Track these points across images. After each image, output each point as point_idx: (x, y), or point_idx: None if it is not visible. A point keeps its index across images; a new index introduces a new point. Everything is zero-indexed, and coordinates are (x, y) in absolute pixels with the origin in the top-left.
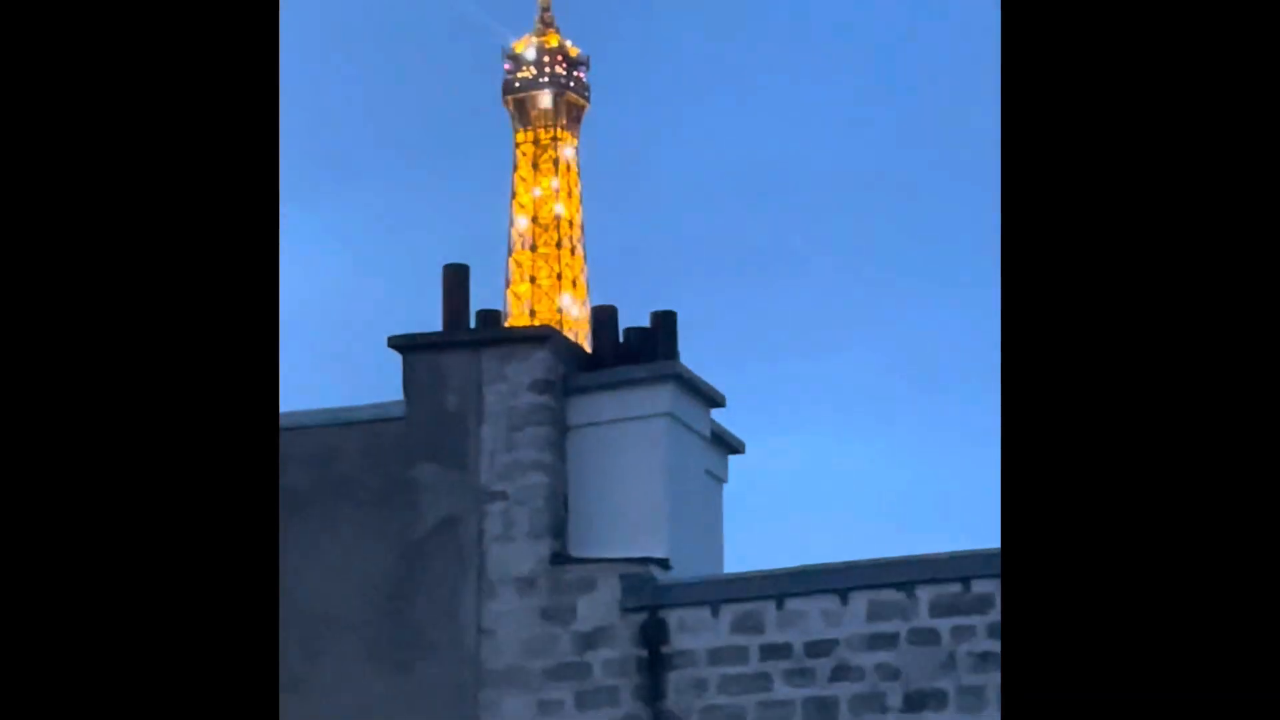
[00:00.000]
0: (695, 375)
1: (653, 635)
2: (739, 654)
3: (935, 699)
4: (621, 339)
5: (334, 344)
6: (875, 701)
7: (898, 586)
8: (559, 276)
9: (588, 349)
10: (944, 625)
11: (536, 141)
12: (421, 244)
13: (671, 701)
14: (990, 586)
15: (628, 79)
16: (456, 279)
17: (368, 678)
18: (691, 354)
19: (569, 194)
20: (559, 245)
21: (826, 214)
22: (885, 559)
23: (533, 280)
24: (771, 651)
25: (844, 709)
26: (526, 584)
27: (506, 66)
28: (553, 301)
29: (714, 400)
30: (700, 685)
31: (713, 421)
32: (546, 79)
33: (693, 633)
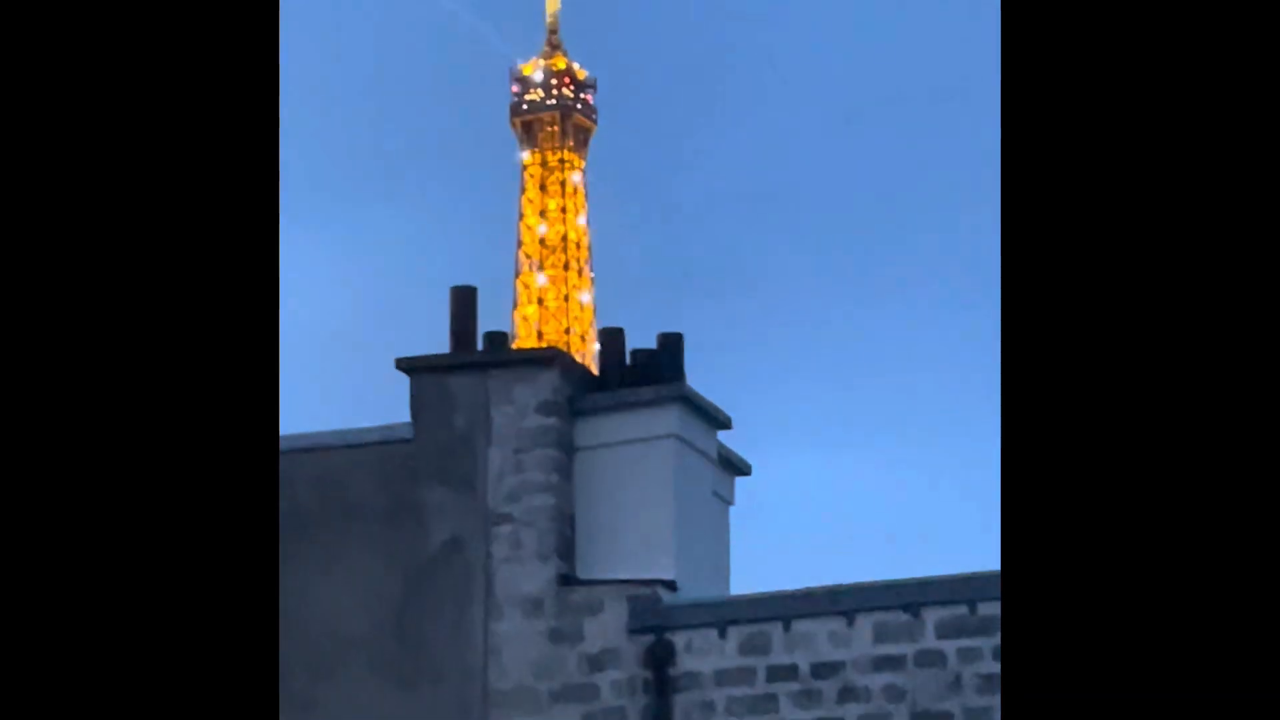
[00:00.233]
0: (702, 397)
1: (660, 657)
2: (746, 675)
3: None
4: (628, 360)
5: (341, 366)
6: None
7: (904, 608)
8: (566, 298)
9: (594, 370)
10: (950, 647)
11: (544, 163)
12: (429, 266)
13: None
14: (997, 609)
15: (636, 100)
16: (464, 301)
17: (376, 698)
18: (698, 375)
19: (576, 216)
20: (566, 267)
21: (833, 235)
22: (892, 581)
23: (540, 302)
24: (778, 673)
25: None
26: (534, 605)
27: (514, 89)
28: (560, 323)
29: (721, 422)
30: (707, 707)
31: (720, 443)
32: (554, 101)
33: (700, 654)
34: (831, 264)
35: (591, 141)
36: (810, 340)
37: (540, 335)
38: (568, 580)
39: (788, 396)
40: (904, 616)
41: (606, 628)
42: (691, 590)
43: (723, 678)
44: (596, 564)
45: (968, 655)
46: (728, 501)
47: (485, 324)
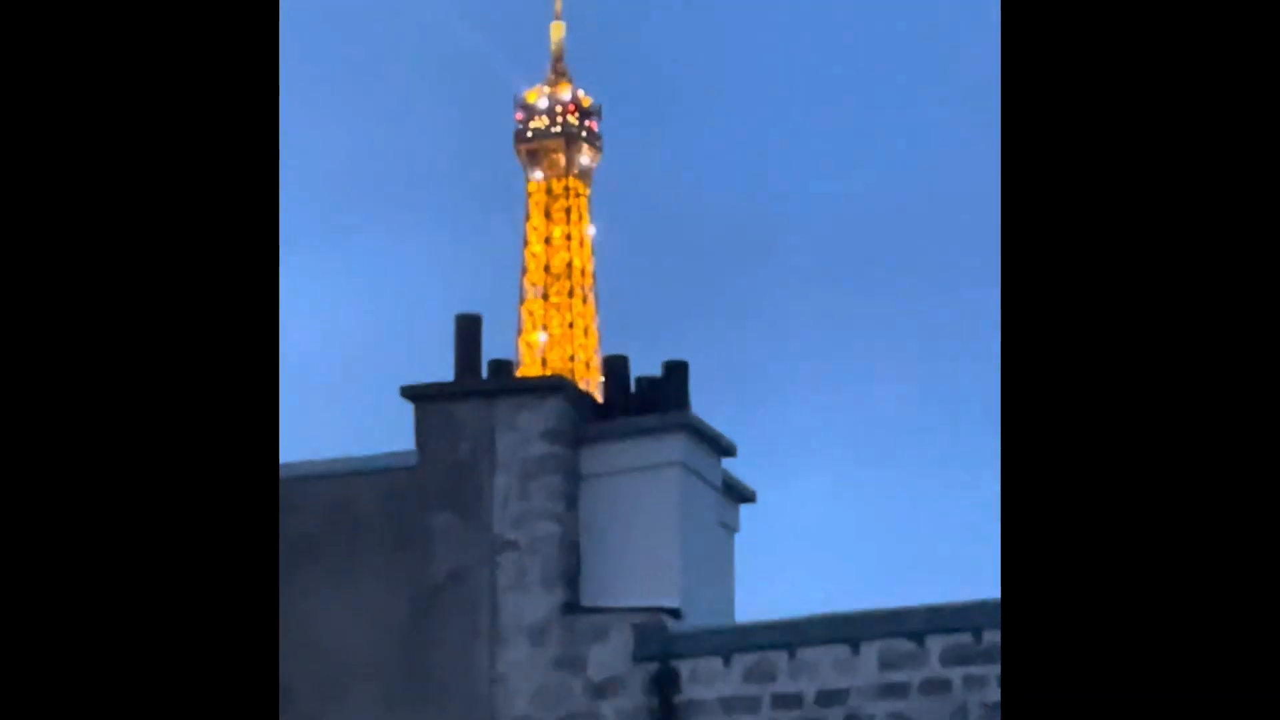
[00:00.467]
0: (707, 424)
1: (665, 685)
2: (751, 703)
3: None
4: (633, 388)
5: (346, 394)
6: None
7: (909, 636)
8: (570, 325)
9: (599, 398)
10: (956, 675)
11: (549, 190)
12: (434, 293)
13: None
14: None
15: (641, 126)
16: (468, 328)
17: None
18: (702, 403)
19: (581, 242)
20: (571, 294)
21: (838, 262)
22: (897, 608)
23: (545, 329)
24: (783, 701)
25: None
26: (539, 633)
27: (519, 116)
28: (565, 350)
29: (725, 449)
30: None
31: (724, 470)
32: (559, 128)
33: (705, 682)
34: (838, 290)
35: (597, 168)
36: (816, 366)
37: (545, 363)
38: (572, 608)
39: (793, 423)
40: (909, 644)
41: (611, 655)
42: (696, 618)
43: (728, 705)
44: (601, 591)
45: (973, 683)
46: (732, 529)
47: (490, 351)
